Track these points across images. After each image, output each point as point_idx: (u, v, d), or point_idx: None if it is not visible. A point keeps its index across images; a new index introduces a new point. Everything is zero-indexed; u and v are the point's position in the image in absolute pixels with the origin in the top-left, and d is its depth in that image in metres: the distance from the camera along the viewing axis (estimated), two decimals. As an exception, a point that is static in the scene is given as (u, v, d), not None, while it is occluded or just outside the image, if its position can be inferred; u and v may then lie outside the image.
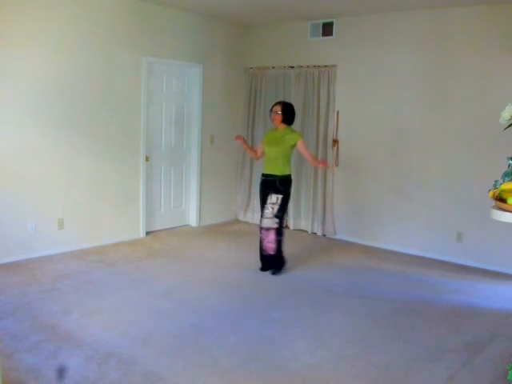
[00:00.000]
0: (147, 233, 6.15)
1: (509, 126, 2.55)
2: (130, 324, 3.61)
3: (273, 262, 4.88)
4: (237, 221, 7.22)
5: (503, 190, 2.50)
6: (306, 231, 6.66)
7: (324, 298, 4.29)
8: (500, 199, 2.51)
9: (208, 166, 6.71)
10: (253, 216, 7.05)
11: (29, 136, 4.90)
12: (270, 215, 4.74)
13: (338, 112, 6.25)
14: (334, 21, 6.17)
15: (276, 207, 4.74)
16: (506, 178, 2.58)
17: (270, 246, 4.80)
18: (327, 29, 6.25)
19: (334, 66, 6.21)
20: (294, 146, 4.81)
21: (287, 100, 6.65)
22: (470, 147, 5.30)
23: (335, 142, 6.29)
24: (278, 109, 4.84)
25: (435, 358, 3.27)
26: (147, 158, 6.02)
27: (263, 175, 4.92)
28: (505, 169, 2.70)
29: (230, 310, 3.96)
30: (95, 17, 5.27)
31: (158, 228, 6.35)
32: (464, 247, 5.42)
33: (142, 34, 5.74)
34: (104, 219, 5.63)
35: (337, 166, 6.30)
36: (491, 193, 2.60)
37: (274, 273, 4.87)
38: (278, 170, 4.79)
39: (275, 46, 6.78)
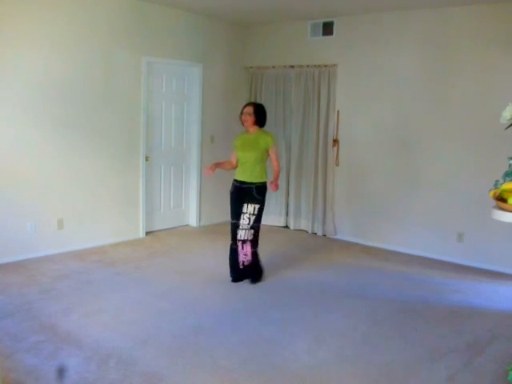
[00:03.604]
0: (147, 233, 6.14)
1: (509, 125, 2.55)
2: (130, 324, 3.60)
3: (249, 272, 4.60)
4: (237, 221, 7.21)
5: (504, 190, 2.50)
6: (306, 231, 6.65)
7: (324, 298, 4.28)
8: (501, 199, 2.51)
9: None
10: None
11: (29, 136, 4.89)
12: (247, 226, 4.43)
13: (338, 112, 6.25)
14: (335, 20, 6.17)
15: (253, 218, 4.43)
16: (507, 178, 2.58)
17: (247, 258, 4.52)
18: (327, 28, 6.25)
19: (335, 65, 6.20)
20: (267, 149, 4.51)
21: (287, 99, 6.70)
22: (471, 147, 5.29)
23: (335, 141, 6.28)
24: (251, 110, 4.49)
25: (435, 358, 3.26)
26: (147, 158, 6.01)
27: (237, 181, 4.56)
28: (505, 169, 2.70)
29: (230, 310, 3.95)
30: (95, 16, 5.27)
31: (157, 228, 6.35)
32: (464, 247, 5.41)
33: (141, 34, 5.73)
34: (104, 219, 5.63)
35: (337, 166, 6.31)
36: (492, 193, 2.60)
37: (253, 282, 4.59)
38: (254, 177, 4.47)
39: (275, 46, 6.77)
